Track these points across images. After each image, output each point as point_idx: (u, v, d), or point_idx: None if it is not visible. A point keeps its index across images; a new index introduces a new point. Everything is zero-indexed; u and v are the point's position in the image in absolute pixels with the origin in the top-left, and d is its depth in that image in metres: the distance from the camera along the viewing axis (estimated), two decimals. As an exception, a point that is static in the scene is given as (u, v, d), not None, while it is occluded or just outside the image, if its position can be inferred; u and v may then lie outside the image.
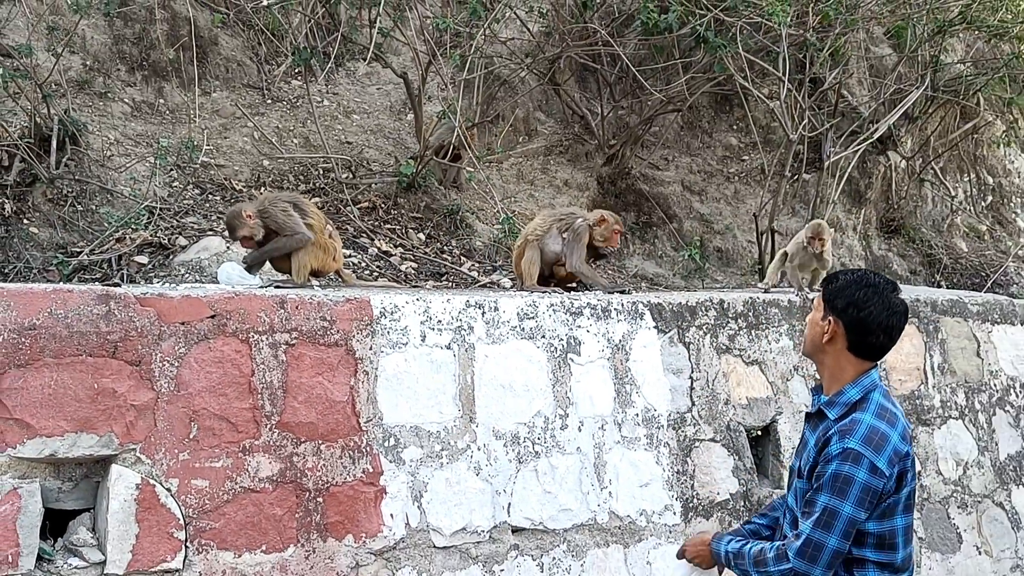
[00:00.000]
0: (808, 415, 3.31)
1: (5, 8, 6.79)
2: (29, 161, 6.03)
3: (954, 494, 5.76)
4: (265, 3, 7.46)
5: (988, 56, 9.86)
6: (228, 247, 5.92)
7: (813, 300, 3.42)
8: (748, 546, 3.22)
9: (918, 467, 5.60)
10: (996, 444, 6.04)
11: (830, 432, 3.07)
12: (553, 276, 5.50)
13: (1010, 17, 8.93)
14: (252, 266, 4.94)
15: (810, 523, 2.99)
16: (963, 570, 5.63)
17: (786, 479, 4.26)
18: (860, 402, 3.10)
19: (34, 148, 6.09)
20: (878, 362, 3.21)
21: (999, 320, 6.40)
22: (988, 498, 5.91)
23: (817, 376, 3.60)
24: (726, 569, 3.41)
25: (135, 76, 7.32)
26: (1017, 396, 6.27)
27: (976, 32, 9.37)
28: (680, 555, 3.63)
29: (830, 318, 3.15)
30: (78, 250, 5.88)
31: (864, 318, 3.09)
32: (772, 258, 7.53)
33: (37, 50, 6.57)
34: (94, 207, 6.19)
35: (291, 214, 4.87)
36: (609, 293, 5.15)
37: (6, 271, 5.67)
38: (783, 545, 3.07)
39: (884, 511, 3.02)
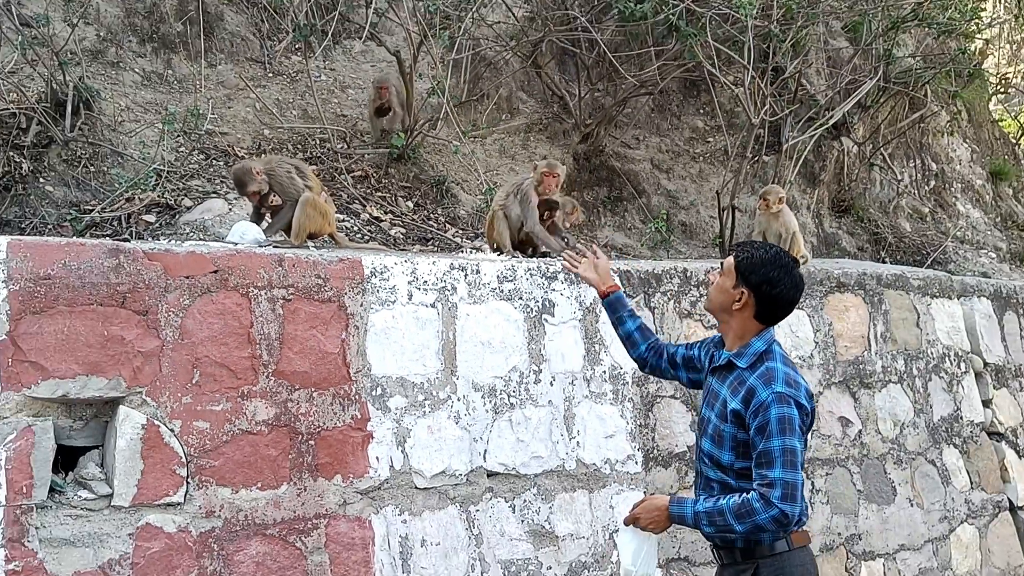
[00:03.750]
0: (715, 368, 3.34)
1: (23, -21, 6.69)
2: (46, 124, 5.96)
3: (891, 451, 5.83)
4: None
5: (936, 52, 9.88)
6: (230, 208, 5.88)
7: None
8: (723, 502, 3.06)
9: (859, 425, 5.68)
10: (931, 407, 6.12)
11: (747, 381, 3.14)
12: (524, 243, 5.47)
13: (958, 15, 8.92)
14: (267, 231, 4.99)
15: (778, 468, 2.99)
16: (896, 520, 5.72)
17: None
18: (766, 353, 3.19)
19: (50, 112, 6.02)
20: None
21: (937, 294, 6.46)
22: (921, 456, 5.99)
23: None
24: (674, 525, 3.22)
25: (145, 48, 7.21)
26: (951, 364, 6.34)
27: (926, 29, 9.36)
28: (628, 522, 3.25)
29: (743, 289, 3.20)
30: (90, 208, 5.83)
31: (776, 295, 3.19)
32: (732, 232, 7.57)
33: (54, 20, 6.47)
34: (105, 168, 6.14)
35: (294, 178, 4.94)
36: (559, 255, 5.14)
37: (23, 226, 5.62)
38: (761, 493, 2.98)
39: None
